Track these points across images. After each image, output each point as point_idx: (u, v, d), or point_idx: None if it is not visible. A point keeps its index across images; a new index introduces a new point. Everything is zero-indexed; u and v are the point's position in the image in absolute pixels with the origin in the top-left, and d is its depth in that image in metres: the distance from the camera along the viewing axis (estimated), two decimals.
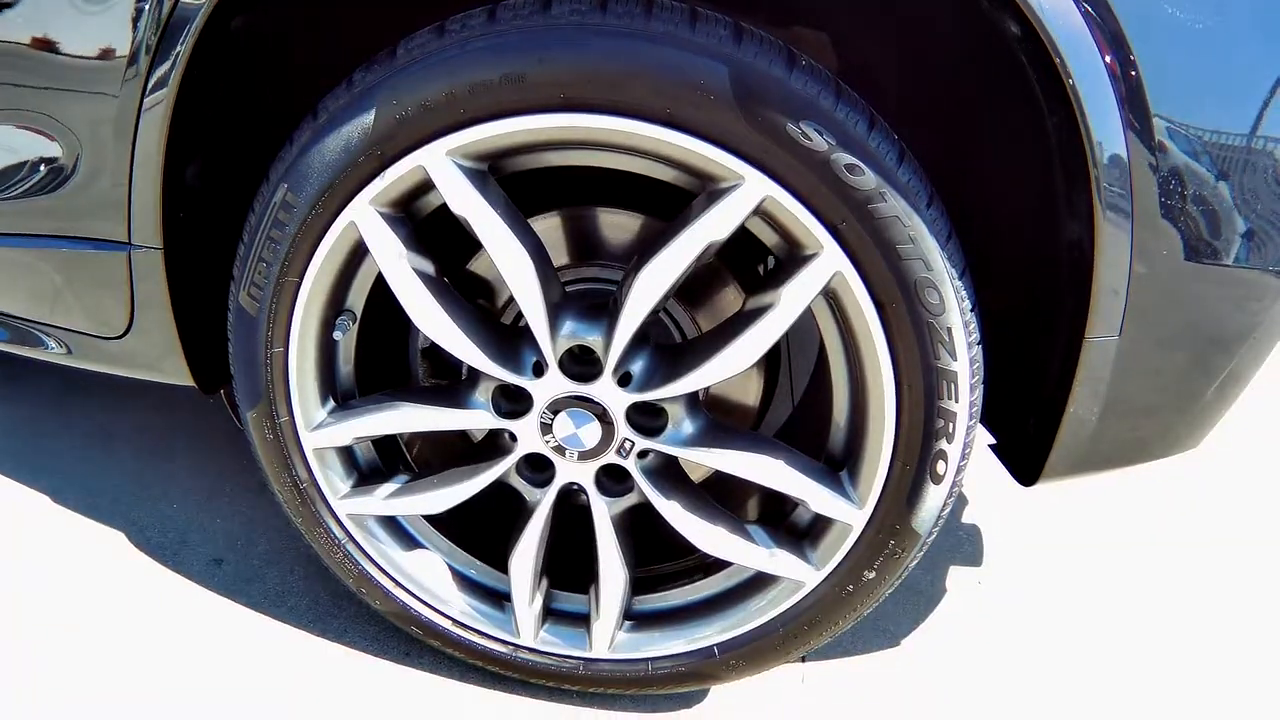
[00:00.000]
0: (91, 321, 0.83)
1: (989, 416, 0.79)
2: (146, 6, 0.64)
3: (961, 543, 1.16)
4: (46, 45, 0.70)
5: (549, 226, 0.76)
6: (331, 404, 0.75)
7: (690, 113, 0.56)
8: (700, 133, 0.56)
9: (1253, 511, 1.25)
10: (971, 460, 0.68)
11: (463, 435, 0.87)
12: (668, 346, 0.71)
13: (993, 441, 0.81)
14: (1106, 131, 0.55)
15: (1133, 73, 0.54)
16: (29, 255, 0.82)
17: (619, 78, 0.56)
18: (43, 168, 0.75)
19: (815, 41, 0.77)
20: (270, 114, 0.78)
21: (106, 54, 0.67)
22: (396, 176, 0.62)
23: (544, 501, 0.75)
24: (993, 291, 0.72)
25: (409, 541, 0.82)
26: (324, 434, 0.74)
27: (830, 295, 0.62)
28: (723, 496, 0.76)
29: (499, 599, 0.82)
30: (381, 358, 0.82)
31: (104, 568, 0.99)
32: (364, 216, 0.64)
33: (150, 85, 0.66)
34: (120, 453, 1.23)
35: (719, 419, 0.73)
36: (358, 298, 0.73)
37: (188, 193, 0.74)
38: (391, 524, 0.81)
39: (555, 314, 0.66)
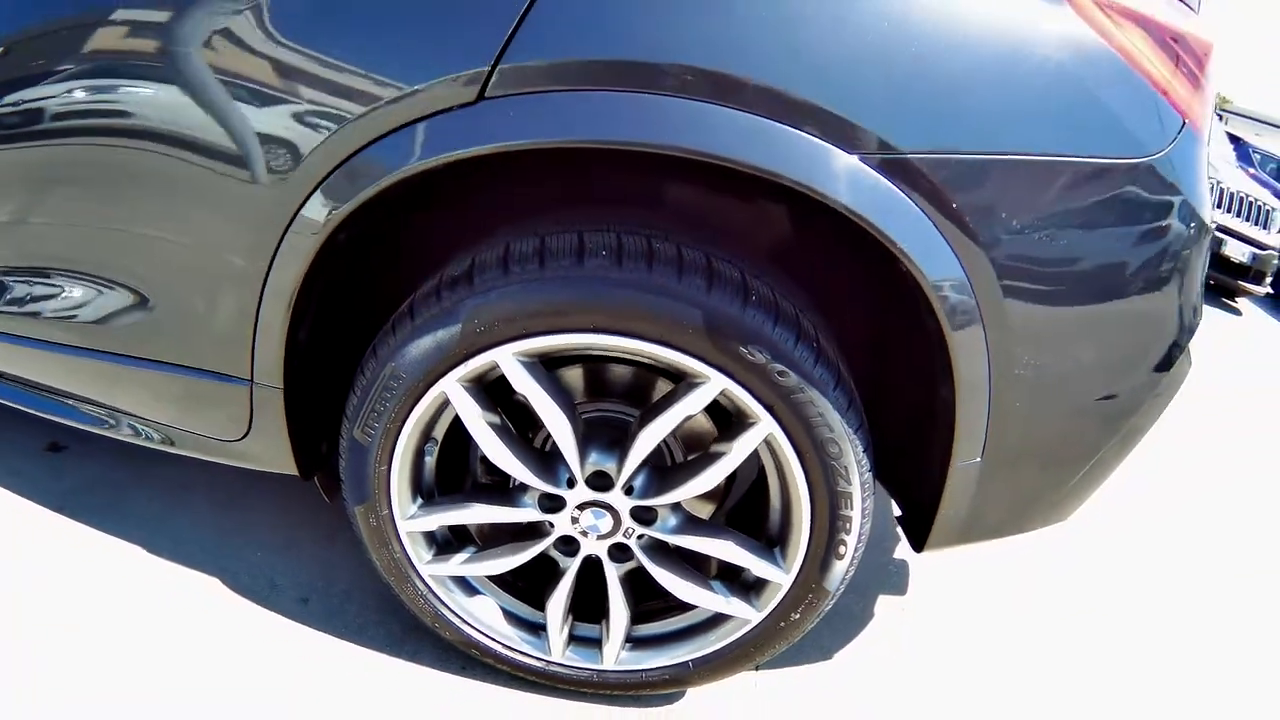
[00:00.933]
0: (213, 428, 1.11)
1: (899, 497, 1.12)
2: (275, 209, 0.90)
3: (891, 575, 1.51)
4: (197, 232, 0.96)
5: (575, 375, 1.06)
6: (420, 501, 1.05)
7: (676, 338, 0.87)
8: (683, 350, 0.87)
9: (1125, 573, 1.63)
10: (865, 541, 1.01)
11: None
12: (660, 467, 1.03)
13: (899, 514, 1.14)
14: (966, 337, 0.86)
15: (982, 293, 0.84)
16: (160, 376, 1.09)
17: (630, 315, 0.86)
18: (189, 317, 1.03)
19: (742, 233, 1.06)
20: (370, 293, 1.07)
21: (241, 246, 0.93)
22: (475, 365, 0.92)
23: (572, 566, 1.06)
24: (888, 429, 1.05)
25: (472, 590, 1.13)
26: (415, 523, 1.05)
27: (767, 444, 0.94)
28: (694, 561, 1.08)
29: (536, 629, 1.14)
30: (452, 461, 1.12)
31: (211, 611, 1.28)
32: (452, 389, 0.94)
33: (272, 272, 0.93)
34: (198, 506, 1.50)
35: (691, 514, 1.06)
36: (440, 429, 1.02)
37: (299, 346, 1.02)
38: (460, 579, 1.12)
39: (583, 447, 0.97)
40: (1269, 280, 5.17)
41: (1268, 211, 5.22)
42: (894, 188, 0.79)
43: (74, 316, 1.11)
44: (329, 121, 0.84)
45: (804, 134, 0.77)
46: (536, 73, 0.79)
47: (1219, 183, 5.26)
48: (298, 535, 1.45)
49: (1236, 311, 5.23)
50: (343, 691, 1.15)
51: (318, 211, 0.88)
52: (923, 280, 0.82)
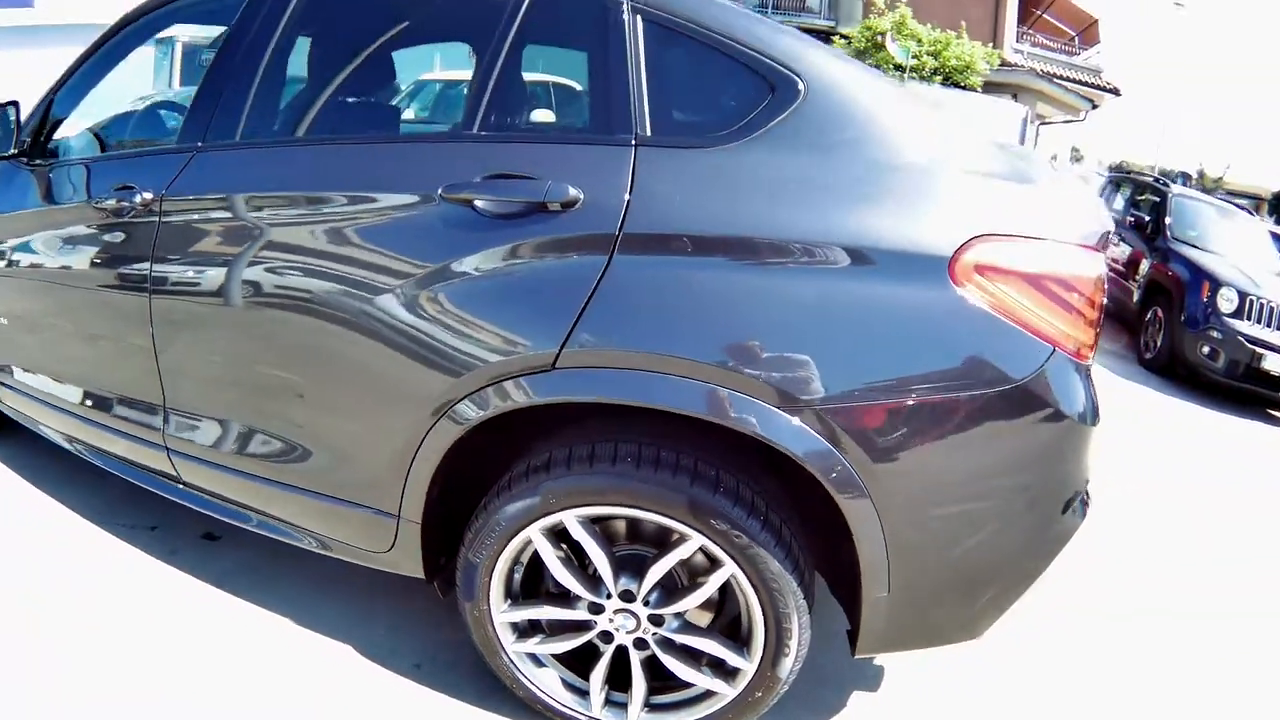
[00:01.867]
0: (365, 543, 1.68)
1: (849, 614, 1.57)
2: (436, 404, 1.46)
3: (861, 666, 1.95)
4: (375, 413, 1.53)
5: (618, 524, 1.58)
6: (509, 601, 1.59)
7: (671, 513, 1.38)
8: (675, 519, 1.39)
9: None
10: (807, 647, 1.48)
11: None
12: (669, 588, 1.53)
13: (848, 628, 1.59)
14: (862, 518, 1.34)
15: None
16: (330, 505, 1.67)
17: (643, 498, 1.38)
18: (360, 470, 1.60)
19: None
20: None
21: (406, 425, 1.49)
22: (548, 521, 1.46)
23: (608, 651, 1.57)
24: (830, 571, 1.52)
25: (539, 664, 1.64)
26: (505, 616, 1.58)
27: (734, 578, 1.43)
28: (691, 652, 1.57)
29: (583, 693, 1.64)
30: (532, 576, 1.65)
31: (346, 667, 1.81)
32: (534, 534, 1.48)
33: (424, 444, 1.49)
34: (334, 593, 2.05)
35: (689, 621, 1.55)
36: (525, 556, 1.56)
37: (432, 494, 1.58)
38: (532, 655, 1.64)
39: (616, 574, 1.49)
40: None
41: None
42: (804, 428, 1.29)
43: (267, 457, 1.71)
44: (485, 358, 1.40)
45: (737, 394, 1.29)
46: (580, 357, 1.34)
47: (1259, 298, 5.56)
48: (412, 620, 1.99)
49: (1277, 421, 5.46)
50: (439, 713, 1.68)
51: (468, 411, 1.44)
52: (825, 480, 1.32)
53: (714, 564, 1.45)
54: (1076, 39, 23.25)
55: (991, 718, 1.91)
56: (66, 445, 2.25)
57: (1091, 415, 1.34)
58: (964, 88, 16.42)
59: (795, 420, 1.29)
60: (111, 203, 1.87)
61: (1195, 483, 3.89)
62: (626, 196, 1.33)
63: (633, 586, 1.50)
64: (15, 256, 2.21)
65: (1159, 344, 6.04)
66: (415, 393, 1.47)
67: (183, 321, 1.78)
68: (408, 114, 2.03)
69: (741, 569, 1.40)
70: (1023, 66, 19.85)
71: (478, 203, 1.40)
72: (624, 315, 1.33)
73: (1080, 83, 21.48)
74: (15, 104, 2.29)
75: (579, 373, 1.35)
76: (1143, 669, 2.20)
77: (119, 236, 1.90)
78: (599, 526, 1.49)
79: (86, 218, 1.98)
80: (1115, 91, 22.49)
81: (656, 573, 1.45)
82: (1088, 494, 1.46)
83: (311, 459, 1.64)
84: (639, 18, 1.42)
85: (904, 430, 1.29)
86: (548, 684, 1.64)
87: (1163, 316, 6.06)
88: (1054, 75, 20.62)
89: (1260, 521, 3.53)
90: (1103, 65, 22.97)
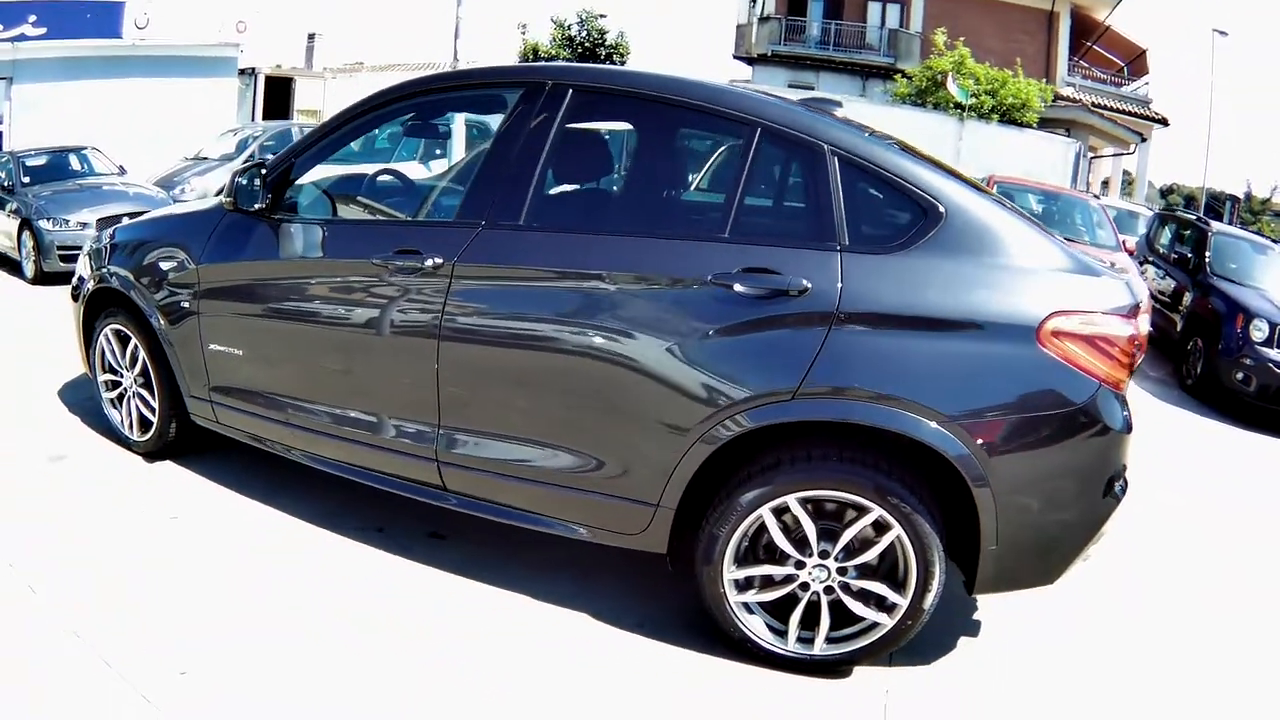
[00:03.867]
0: (622, 527, 2.37)
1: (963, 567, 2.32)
2: (702, 423, 2.21)
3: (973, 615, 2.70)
4: (655, 432, 2.26)
5: (828, 505, 2.32)
6: (735, 564, 2.29)
7: (863, 495, 2.13)
8: (865, 498, 2.14)
9: None
10: (942, 587, 2.23)
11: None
12: (851, 549, 2.25)
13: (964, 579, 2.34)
14: (984, 497, 2.12)
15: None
16: (601, 500, 2.36)
17: (844, 485, 2.14)
18: (636, 471, 2.30)
19: None
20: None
21: (676, 438, 2.22)
22: (775, 503, 2.18)
23: (804, 597, 2.27)
24: (952, 530, 2.29)
25: (750, 611, 2.33)
26: (732, 574, 2.27)
27: (898, 538, 2.18)
28: (863, 594, 2.29)
29: (779, 632, 2.33)
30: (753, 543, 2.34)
31: (584, 630, 2.45)
32: (765, 514, 2.20)
33: (689, 452, 2.21)
34: (560, 571, 2.70)
35: (864, 568, 2.28)
36: (751, 530, 2.27)
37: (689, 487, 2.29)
38: (746, 605, 2.33)
39: (818, 540, 2.22)
40: None
41: None
42: (952, 437, 2.09)
43: (550, 469, 2.39)
44: (746, 391, 2.14)
45: (909, 415, 2.08)
46: (811, 392, 2.12)
47: None
48: (625, 593, 2.64)
49: None
50: (674, 666, 2.34)
51: (725, 431, 2.18)
52: (963, 472, 2.10)
53: (880, 530, 2.20)
54: (1126, 70, 24.44)
55: (1064, 657, 2.66)
56: (302, 459, 2.83)
57: (1125, 427, 2.17)
58: (1021, 124, 17.12)
59: (946, 432, 2.09)
60: (397, 262, 2.48)
61: (1224, 493, 4.56)
62: (839, 286, 2.14)
63: (828, 547, 2.23)
64: (263, 298, 2.79)
65: (1199, 371, 6.66)
66: (687, 418, 2.20)
67: (474, 361, 2.44)
68: (669, 219, 2.63)
69: (904, 530, 2.16)
70: (1075, 101, 20.70)
71: (737, 287, 2.19)
72: (840, 364, 2.11)
73: (1130, 114, 22.47)
74: (262, 165, 2.82)
75: (810, 401, 2.12)
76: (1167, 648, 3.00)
77: (403, 290, 2.51)
78: (807, 506, 2.22)
79: (360, 271, 2.58)
80: (1164, 122, 23.44)
81: (847, 535, 2.20)
82: (1125, 483, 2.27)
83: (602, 469, 2.33)
84: (836, 159, 2.24)
85: (1009, 438, 2.11)
86: (756, 627, 2.33)
87: (1202, 345, 6.67)
88: (1104, 107, 21.48)
89: (1255, 521, 4.24)
90: (1151, 95, 24.11)
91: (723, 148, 2.43)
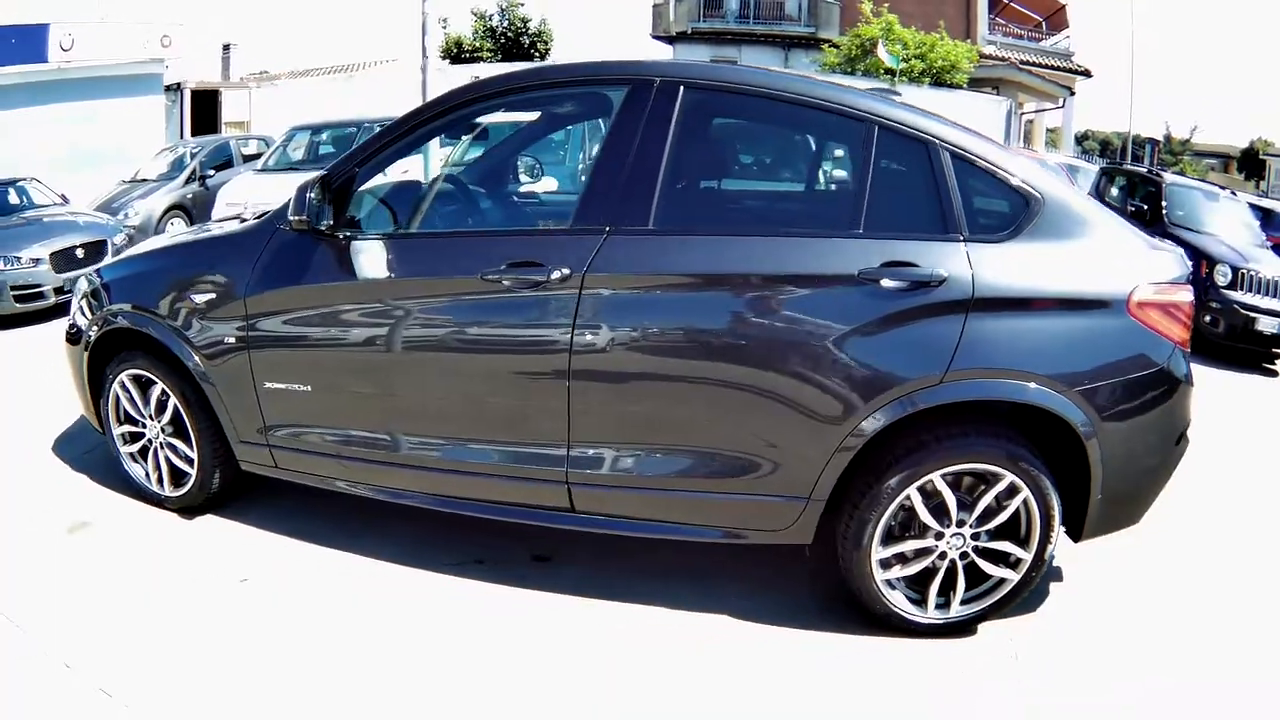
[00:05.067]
0: (771, 524, 2.45)
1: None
2: (848, 423, 2.33)
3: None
4: (810, 431, 2.35)
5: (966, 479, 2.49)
6: (881, 544, 2.43)
7: (999, 464, 2.34)
8: (1000, 467, 2.36)
9: None
10: (1059, 538, 2.48)
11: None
12: (983, 515, 2.45)
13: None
14: (1093, 452, 2.39)
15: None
16: (755, 501, 2.42)
17: (981, 458, 2.34)
18: (791, 469, 2.38)
19: None
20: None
21: (825, 438, 2.33)
22: (919, 482, 2.34)
23: (942, 567, 2.46)
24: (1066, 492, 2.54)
25: (891, 587, 2.48)
26: (878, 554, 2.41)
27: (1026, 500, 2.41)
28: (991, 554, 2.50)
29: (916, 602, 2.50)
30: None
31: (743, 631, 2.52)
32: (913, 494, 2.35)
33: (839, 449, 2.32)
34: (677, 577, 2.72)
35: (994, 530, 2.49)
36: (899, 512, 2.41)
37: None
38: (887, 582, 2.47)
39: (957, 511, 2.41)
40: None
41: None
42: (1071, 403, 2.34)
43: (695, 475, 2.43)
44: (898, 379, 2.26)
45: (1040, 387, 2.31)
46: (957, 375, 2.29)
47: (1249, 270, 6.87)
48: (756, 589, 2.70)
49: (1273, 374, 6.85)
50: (829, 648, 2.45)
51: (870, 425, 2.31)
52: (1080, 432, 2.36)
53: (1011, 493, 2.41)
54: (1044, 24, 24.91)
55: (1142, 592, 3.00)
56: (386, 497, 2.68)
57: (1190, 379, 2.52)
58: (952, 85, 17.29)
59: (1067, 399, 2.33)
60: (515, 276, 2.37)
61: (1204, 426, 5.19)
62: (970, 274, 2.32)
63: (964, 517, 2.42)
64: (338, 326, 2.56)
65: None
66: (844, 412, 2.30)
67: (611, 374, 2.40)
68: (800, 216, 2.63)
69: (1031, 492, 2.39)
70: (1003, 59, 20.81)
71: (885, 282, 2.31)
72: (978, 347, 2.29)
73: (1053, 68, 22.44)
74: (327, 177, 2.54)
75: (956, 384, 2.29)
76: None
77: (524, 305, 2.39)
78: (948, 480, 2.40)
79: (465, 288, 2.44)
80: (1086, 73, 23.54)
81: (983, 503, 2.40)
82: (1187, 434, 2.63)
83: (753, 470, 2.38)
84: (946, 153, 2.40)
85: (1111, 399, 2.38)
86: (898, 601, 2.49)
87: None
88: (1030, 64, 21.50)
89: (1251, 451, 4.67)
90: (1072, 49, 24.14)
91: (840, 144, 2.52)
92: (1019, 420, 2.43)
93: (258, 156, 10.91)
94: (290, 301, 2.64)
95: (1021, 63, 21.34)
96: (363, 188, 2.70)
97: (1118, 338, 2.38)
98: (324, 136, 10.18)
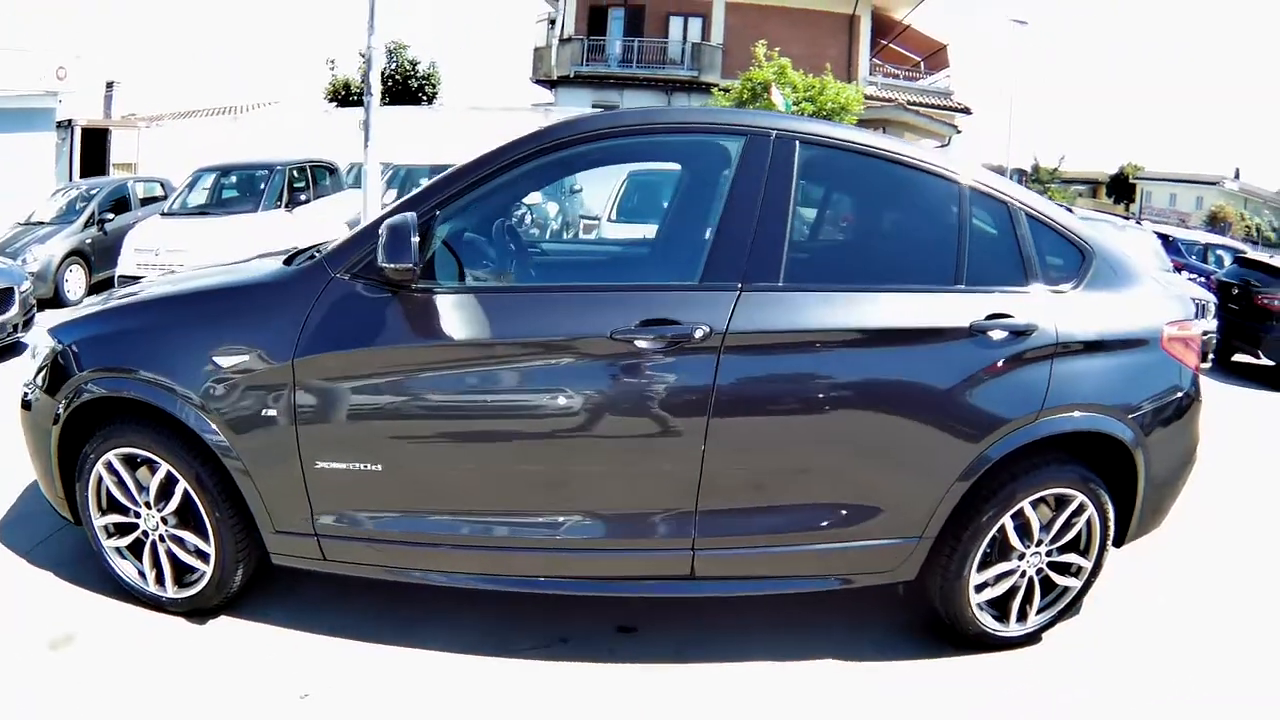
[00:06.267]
0: (884, 565, 2.51)
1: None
2: (970, 459, 2.43)
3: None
4: (931, 469, 2.43)
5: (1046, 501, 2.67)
6: (977, 571, 2.56)
7: (1071, 486, 2.57)
8: (1072, 489, 2.58)
9: None
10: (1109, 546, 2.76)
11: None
12: (1058, 533, 2.67)
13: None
14: (1140, 466, 2.68)
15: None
16: (871, 546, 2.47)
17: (1060, 481, 2.55)
18: (903, 512, 2.44)
19: None
20: None
21: (944, 475, 2.42)
22: (1015, 507, 2.51)
23: (1023, 584, 2.65)
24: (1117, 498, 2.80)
25: (981, 609, 2.63)
26: (975, 579, 2.56)
27: (1091, 516, 2.64)
28: (1059, 568, 2.72)
29: (999, 619, 2.67)
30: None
31: (856, 671, 2.56)
32: (1006, 521, 2.52)
33: (955, 484, 2.43)
34: (759, 630, 2.70)
35: (1065, 545, 2.71)
36: (998, 534, 2.56)
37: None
38: (978, 604, 2.61)
39: (1041, 532, 2.60)
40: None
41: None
42: (1127, 428, 2.60)
43: (814, 526, 2.43)
44: (1000, 422, 2.41)
45: (1105, 417, 2.56)
46: (1050, 412, 2.47)
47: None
48: (855, 624, 2.75)
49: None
50: (932, 676, 2.56)
51: (987, 457, 2.42)
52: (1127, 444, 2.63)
53: (1079, 511, 2.64)
54: (922, 64, 25.56)
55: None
56: (464, 583, 2.41)
57: (1201, 397, 2.90)
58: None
59: (1125, 426, 2.60)
60: (656, 334, 2.22)
61: None
62: (1054, 323, 2.51)
63: (1044, 537, 2.62)
64: (423, 394, 2.28)
65: None
66: (958, 455, 2.42)
67: (747, 435, 2.33)
68: (912, 271, 2.59)
69: (1095, 508, 2.64)
70: (889, 100, 21.33)
71: (992, 334, 2.44)
72: (1065, 386, 2.49)
73: (936, 106, 23.11)
74: (411, 218, 2.17)
75: (1048, 420, 2.47)
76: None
77: (657, 366, 2.25)
78: (1034, 506, 2.58)
79: (591, 349, 2.25)
80: (966, 110, 24.21)
81: (1059, 522, 2.61)
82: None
83: (875, 516, 2.41)
84: (1023, 213, 2.60)
85: (1153, 421, 2.70)
86: (986, 620, 2.65)
87: None
88: (916, 104, 22.06)
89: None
90: (951, 87, 24.87)
91: (936, 202, 2.62)
92: (1078, 445, 2.66)
93: (155, 200, 10.34)
94: (360, 365, 2.29)
95: (909, 103, 22.30)
96: (445, 233, 2.40)
97: (1157, 368, 2.70)
98: (232, 179, 9.42)
